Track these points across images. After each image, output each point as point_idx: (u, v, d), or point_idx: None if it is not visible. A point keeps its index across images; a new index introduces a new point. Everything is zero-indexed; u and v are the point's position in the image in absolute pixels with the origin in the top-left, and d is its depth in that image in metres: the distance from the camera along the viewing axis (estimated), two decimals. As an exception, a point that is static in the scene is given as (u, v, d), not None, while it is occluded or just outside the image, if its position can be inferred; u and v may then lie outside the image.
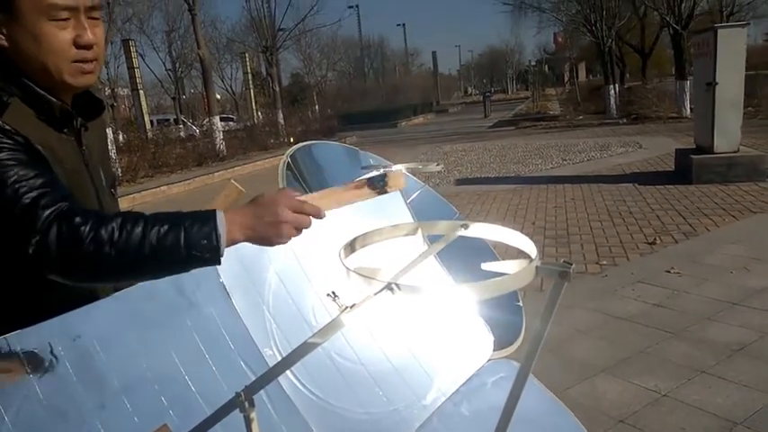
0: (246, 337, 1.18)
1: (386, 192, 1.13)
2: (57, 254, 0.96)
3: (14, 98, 1.11)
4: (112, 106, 23.01)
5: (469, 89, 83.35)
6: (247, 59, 23.33)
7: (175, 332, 1.09)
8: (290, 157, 1.70)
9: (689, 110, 15.41)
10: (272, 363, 1.17)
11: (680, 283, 4.25)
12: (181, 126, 25.45)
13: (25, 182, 1.02)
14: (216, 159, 15.96)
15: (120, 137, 16.06)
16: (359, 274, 0.66)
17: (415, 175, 2.49)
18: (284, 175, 1.59)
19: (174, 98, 36.37)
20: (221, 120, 18.92)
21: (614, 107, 19.21)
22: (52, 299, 1.03)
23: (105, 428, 0.95)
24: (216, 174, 13.59)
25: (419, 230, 0.86)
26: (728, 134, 7.49)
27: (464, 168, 11.16)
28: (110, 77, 25.99)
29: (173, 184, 12.50)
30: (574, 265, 0.67)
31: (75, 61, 1.14)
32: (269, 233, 1.02)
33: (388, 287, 0.63)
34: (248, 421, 0.86)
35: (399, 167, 2.02)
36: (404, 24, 63.83)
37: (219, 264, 1.01)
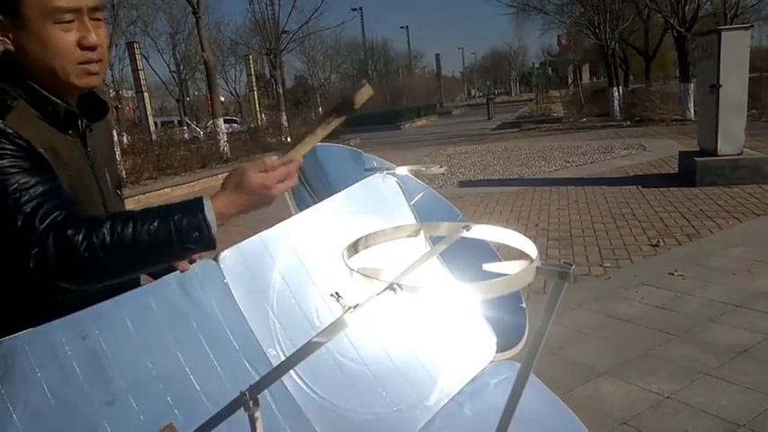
0: (250, 337, 1.19)
1: (355, 109, 1.18)
2: (56, 264, 1.00)
3: (19, 101, 1.12)
4: (117, 108, 23.10)
5: (473, 91, 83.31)
6: (251, 62, 23.42)
7: (181, 332, 1.10)
8: (294, 159, 1.71)
9: (693, 112, 15.39)
10: (275, 363, 1.18)
11: (683, 285, 4.25)
12: (185, 128, 25.51)
13: (26, 190, 1.03)
14: (220, 161, 15.99)
15: (125, 139, 16.11)
16: (362, 274, 0.67)
17: (418, 177, 2.50)
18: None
19: (178, 100, 36.50)
20: (225, 122, 18.97)
21: (618, 109, 19.19)
22: (63, 299, 1.04)
23: (112, 427, 0.96)
24: (220, 176, 13.60)
25: (421, 232, 0.87)
26: (732, 136, 7.48)
27: (467, 170, 11.17)
28: (114, 79, 26.08)
29: (177, 185, 12.54)
30: (574, 266, 0.68)
31: (81, 63, 1.16)
32: (252, 199, 1.10)
33: (391, 287, 0.64)
34: (253, 420, 0.87)
35: (403, 169, 2.03)
36: (407, 27, 63.85)
37: (214, 249, 1.07)
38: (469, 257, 1.58)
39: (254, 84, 23.68)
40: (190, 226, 1.03)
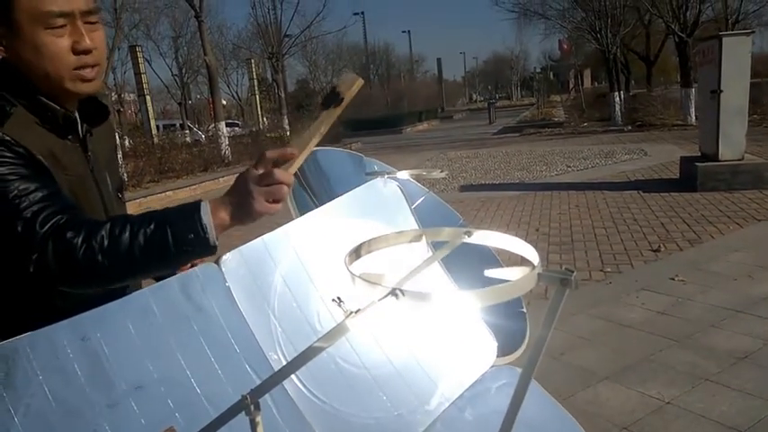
0: (252, 340, 1.19)
1: (342, 100, 1.15)
2: (56, 269, 1.01)
3: (18, 107, 1.12)
4: (119, 111, 23.15)
5: (474, 96, 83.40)
6: (253, 65, 23.49)
7: (182, 335, 1.10)
8: (295, 163, 1.71)
9: (694, 117, 15.41)
10: (276, 367, 1.18)
11: (684, 290, 4.25)
12: (187, 131, 25.57)
13: (26, 197, 1.03)
14: (221, 165, 16.02)
15: (127, 142, 16.16)
16: (363, 279, 0.67)
17: (419, 182, 2.51)
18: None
19: (180, 103, 36.57)
20: (227, 125, 19.01)
21: (619, 114, 19.21)
22: (62, 302, 1.05)
23: (113, 430, 0.96)
24: (221, 179, 13.64)
25: (423, 237, 0.87)
26: (733, 142, 7.49)
27: (468, 175, 11.18)
28: (116, 83, 26.14)
29: (178, 189, 12.56)
30: (575, 273, 0.68)
31: (76, 68, 1.14)
32: (247, 211, 1.08)
33: (393, 293, 0.65)
34: (254, 425, 0.87)
35: (404, 174, 2.04)
36: (409, 31, 64.24)
37: (214, 253, 1.08)
38: (470, 262, 1.58)
39: (255, 87, 23.74)
40: (185, 228, 1.03)
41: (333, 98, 1.15)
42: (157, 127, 20.68)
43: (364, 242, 0.80)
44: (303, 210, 1.62)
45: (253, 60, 24.33)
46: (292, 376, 1.20)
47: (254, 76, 23.67)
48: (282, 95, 23.71)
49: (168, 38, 34.98)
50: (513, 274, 0.74)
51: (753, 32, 7.85)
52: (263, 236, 1.30)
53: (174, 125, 29.69)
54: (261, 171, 1.07)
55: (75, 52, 1.13)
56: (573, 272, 0.68)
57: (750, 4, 18.85)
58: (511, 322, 2.05)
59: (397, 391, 1.36)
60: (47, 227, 1.01)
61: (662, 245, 5.42)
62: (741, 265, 4.64)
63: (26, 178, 1.05)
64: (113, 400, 0.99)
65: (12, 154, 1.06)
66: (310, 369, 1.23)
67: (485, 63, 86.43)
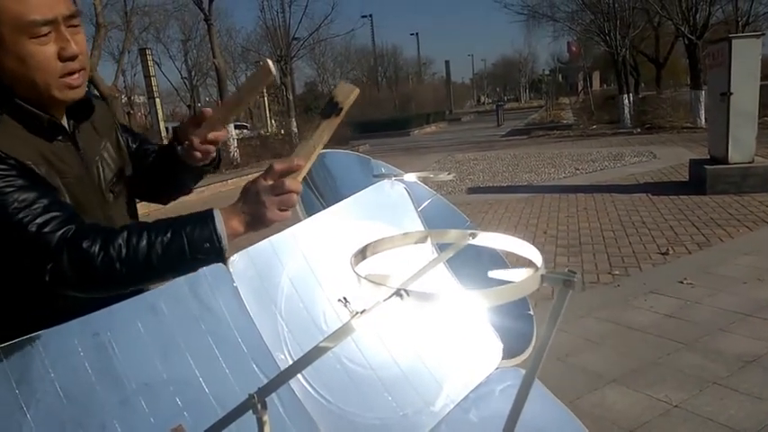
0: (259, 340, 1.21)
1: (341, 110, 1.21)
2: (72, 278, 1.04)
3: (3, 116, 1.11)
4: (129, 114, 23.30)
5: (482, 98, 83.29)
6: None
7: (190, 335, 1.12)
8: (303, 165, 1.72)
9: (704, 120, 15.32)
10: (283, 366, 1.19)
11: (693, 293, 4.23)
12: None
13: (27, 209, 1.04)
14: (230, 167, 16.08)
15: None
16: (369, 280, 0.69)
17: (426, 184, 2.51)
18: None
19: (189, 106, 36.75)
20: (235, 127, 19.08)
21: (628, 117, 19.14)
22: (64, 303, 1.07)
23: (123, 428, 0.98)
24: (230, 181, 13.69)
25: (428, 239, 0.88)
26: (743, 145, 7.45)
27: (476, 177, 11.17)
28: (126, 85, 26.30)
29: (187, 190, 12.58)
30: (578, 274, 0.69)
31: (62, 76, 1.13)
32: (260, 220, 1.14)
33: (398, 293, 0.66)
34: (261, 423, 0.88)
35: (411, 176, 2.05)
36: (417, 34, 64.24)
37: (224, 261, 1.12)
38: (478, 265, 1.59)
39: (264, 90, 23.81)
40: (201, 237, 1.07)
41: (332, 108, 1.21)
42: (167, 129, 20.77)
43: (370, 243, 0.81)
44: (310, 211, 1.64)
45: (261, 63, 24.40)
46: (299, 376, 1.21)
47: (263, 79, 23.70)
48: (291, 98, 23.76)
49: (178, 41, 35.27)
50: (517, 275, 0.75)
51: (763, 35, 7.80)
52: (271, 237, 1.32)
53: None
54: (270, 182, 1.13)
55: (62, 59, 1.12)
56: (576, 273, 0.69)
57: (761, 6, 18.75)
58: (518, 324, 2.06)
59: (402, 392, 1.36)
60: (58, 236, 1.03)
61: (670, 248, 5.40)
62: (750, 269, 4.62)
63: (23, 189, 1.06)
64: (123, 398, 1.01)
65: (5, 166, 1.06)
66: (317, 369, 1.24)
67: (493, 65, 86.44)
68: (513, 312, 2.12)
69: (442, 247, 0.99)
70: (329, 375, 1.27)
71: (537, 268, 0.72)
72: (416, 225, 1.60)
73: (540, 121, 28.61)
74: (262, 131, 22.87)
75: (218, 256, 1.10)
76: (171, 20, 32.09)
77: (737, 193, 7.29)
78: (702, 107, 15.70)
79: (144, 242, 1.05)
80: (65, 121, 1.25)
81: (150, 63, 17.99)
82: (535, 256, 0.76)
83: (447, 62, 56.77)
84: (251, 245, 1.26)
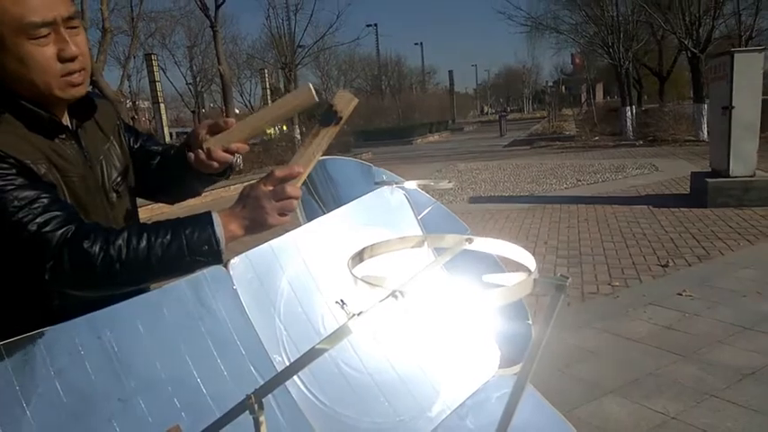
0: (257, 343, 1.22)
1: (340, 119, 1.23)
2: (72, 277, 1.05)
3: (5, 115, 1.12)
4: (133, 119, 23.36)
5: (485, 108, 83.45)
6: (266, 75, 23.62)
7: (190, 336, 1.13)
8: (305, 171, 1.74)
9: (706, 133, 15.34)
10: (280, 369, 1.21)
11: (692, 306, 4.23)
12: (199, 139, 25.63)
13: (27, 207, 1.05)
14: (232, 172, 16.04)
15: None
16: (365, 282, 0.70)
17: (427, 192, 2.53)
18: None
19: (193, 111, 36.86)
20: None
21: (631, 129, 19.17)
22: (59, 303, 1.08)
23: (121, 427, 0.99)
24: (232, 186, 13.68)
25: (425, 243, 0.90)
26: (745, 158, 7.47)
27: (478, 186, 11.18)
28: (132, 90, 26.41)
29: (189, 195, 12.59)
30: (570, 279, 0.70)
31: (63, 75, 1.14)
32: (261, 224, 1.17)
33: (393, 294, 0.67)
34: (257, 423, 0.89)
35: (412, 183, 2.06)
36: (421, 43, 64.50)
37: (222, 263, 1.14)
38: (478, 272, 1.60)
39: (268, 97, 23.87)
40: (200, 240, 1.09)
41: (331, 117, 1.23)
42: (171, 134, 20.86)
43: (367, 246, 0.83)
44: (311, 216, 1.65)
45: (266, 70, 24.52)
46: (296, 379, 1.23)
47: (267, 86, 23.82)
48: (294, 105, 23.77)
49: (183, 47, 35.40)
50: (511, 279, 0.76)
51: (765, 49, 7.83)
52: (271, 241, 1.33)
53: (187, 133, 29.87)
54: (270, 187, 1.16)
55: (61, 60, 1.13)
56: (568, 278, 0.70)
57: (764, 21, 18.81)
58: (517, 334, 2.06)
59: (399, 397, 1.37)
60: (58, 236, 1.05)
61: (670, 260, 5.40)
62: (750, 282, 4.62)
63: (23, 187, 1.07)
64: (122, 397, 1.02)
65: (5, 165, 1.07)
66: (314, 372, 1.25)
67: (497, 76, 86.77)
68: (513, 321, 2.13)
69: (439, 253, 1.01)
70: (326, 379, 1.28)
71: (530, 273, 0.73)
72: (415, 231, 1.62)
73: (543, 131, 28.63)
74: (264, 137, 22.92)
75: (216, 258, 1.12)
76: (177, 26, 32.27)
77: (738, 206, 7.30)
78: (705, 120, 15.72)
79: (144, 243, 1.06)
80: (66, 120, 1.26)
81: (155, 68, 18.09)
82: (529, 261, 0.77)
83: (450, 72, 56.95)
84: (251, 248, 1.28)
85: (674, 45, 22.52)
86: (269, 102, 23.67)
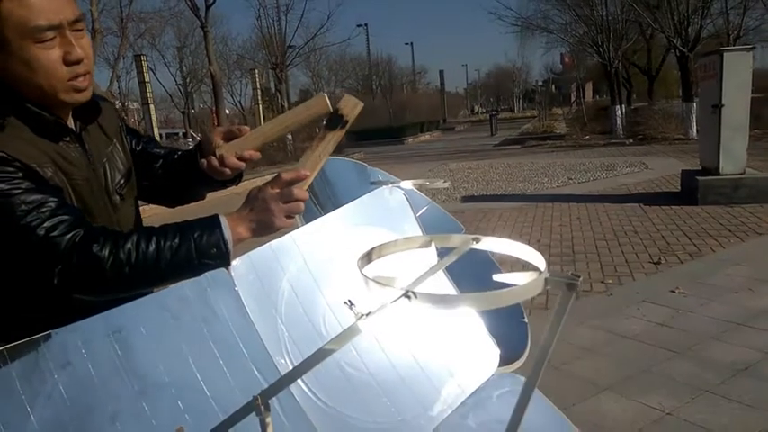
0: (259, 345, 1.21)
1: (346, 122, 1.25)
2: (81, 281, 1.05)
3: (10, 118, 1.12)
4: (122, 120, 23.20)
5: (476, 108, 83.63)
6: (257, 76, 23.54)
7: (192, 338, 1.12)
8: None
9: (695, 131, 15.45)
10: (283, 371, 1.20)
11: (685, 302, 4.26)
12: (189, 140, 25.62)
13: (35, 211, 1.04)
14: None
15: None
16: (377, 282, 0.70)
17: (422, 191, 2.53)
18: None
19: (183, 112, 36.66)
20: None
21: (620, 127, 19.28)
22: (65, 304, 1.07)
23: (125, 430, 0.98)
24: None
25: (432, 243, 0.90)
26: (734, 156, 7.53)
27: (470, 186, 11.21)
28: (121, 91, 26.25)
29: (181, 197, 12.53)
30: (582, 278, 0.70)
31: (69, 79, 1.14)
32: (268, 226, 1.19)
33: (406, 295, 0.67)
34: (264, 425, 0.89)
35: (407, 183, 2.06)
36: (412, 43, 64.42)
37: (229, 265, 1.14)
38: (470, 270, 1.61)
39: (259, 97, 23.79)
40: (209, 243, 1.10)
41: (338, 121, 1.25)
42: (161, 135, 20.77)
43: (375, 247, 0.82)
44: (308, 217, 1.65)
45: (256, 71, 24.44)
46: (299, 380, 1.22)
47: (258, 86, 23.74)
48: (285, 105, 23.80)
49: (173, 47, 35.23)
50: (520, 279, 0.76)
51: (754, 48, 7.89)
52: (271, 242, 1.33)
53: (177, 134, 29.79)
54: (278, 190, 1.17)
55: (67, 63, 1.12)
56: (579, 276, 0.70)
57: (751, 20, 18.97)
58: (512, 332, 2.07)
59: (400, 397, 1.37)
60: (67, 240, 1.04)
61: (662, 257, 5.44)
62: (741, 279, 4.66)
63: (30, 191, 1.06)
64: (125, 400, 1.01)
65: (11, 168, 1.07)
66: (316, 373, 1.25)
67: (487, 75, 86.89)
68: (508, 320, 2.13)
69: (441, 253, 1.00)
70: (328, 379, 1.27)
71: (541, 272, 0.73)
72: (415, 231, 1.61)
73: (534, 131, 28.70)
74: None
75: (225, 261, 1.12)
76: (166, 27, 32.09)
77: (728, 203, 7.36)
78: (694, 119, 15.83)
79: (153, 247, 1.06)
80: (71, 123, 1.25)
81: (145, 69, 17.99)
82: (538, 260, 0.77)
83: (441, 72, 56.93)
84: (252, 249, 1.27)
85: (663, 44, 22.68)
86: (260, 102, 23.61)
